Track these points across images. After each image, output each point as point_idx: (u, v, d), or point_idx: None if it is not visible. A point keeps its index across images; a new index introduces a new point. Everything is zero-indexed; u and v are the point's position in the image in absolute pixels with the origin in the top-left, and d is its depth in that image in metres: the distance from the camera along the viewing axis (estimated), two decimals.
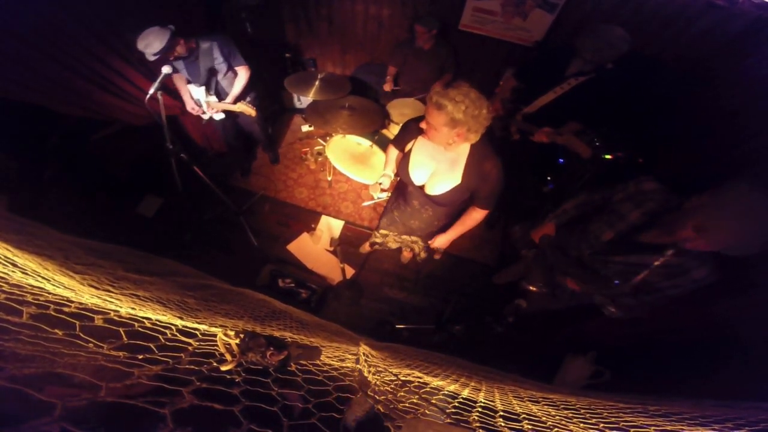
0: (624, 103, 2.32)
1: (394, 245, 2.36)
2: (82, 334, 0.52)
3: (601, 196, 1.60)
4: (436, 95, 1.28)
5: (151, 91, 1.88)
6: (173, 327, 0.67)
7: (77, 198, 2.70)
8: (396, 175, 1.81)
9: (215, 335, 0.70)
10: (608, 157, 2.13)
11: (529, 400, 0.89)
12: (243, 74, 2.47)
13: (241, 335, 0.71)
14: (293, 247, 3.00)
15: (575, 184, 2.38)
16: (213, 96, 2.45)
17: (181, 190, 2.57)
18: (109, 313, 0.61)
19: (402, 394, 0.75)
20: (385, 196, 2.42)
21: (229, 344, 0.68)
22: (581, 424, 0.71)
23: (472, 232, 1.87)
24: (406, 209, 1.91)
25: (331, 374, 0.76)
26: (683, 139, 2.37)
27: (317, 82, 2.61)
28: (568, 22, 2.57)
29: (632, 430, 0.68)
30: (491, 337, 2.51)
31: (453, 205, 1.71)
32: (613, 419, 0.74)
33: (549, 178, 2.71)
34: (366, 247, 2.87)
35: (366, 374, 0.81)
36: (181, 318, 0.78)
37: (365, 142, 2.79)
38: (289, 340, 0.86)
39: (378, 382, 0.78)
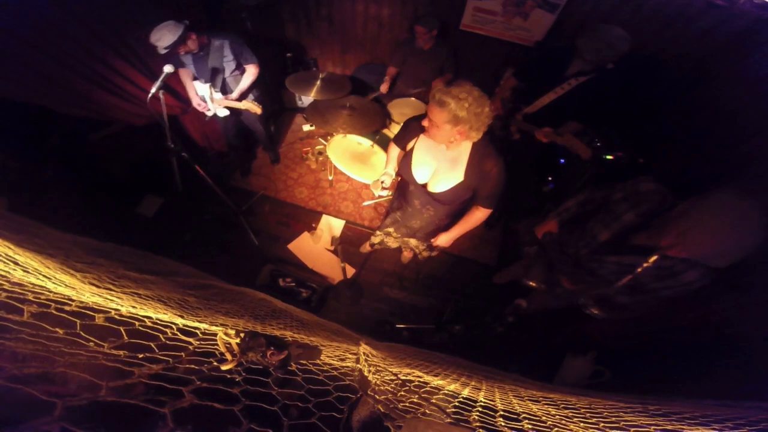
0: (624, 103, 2.33)
1: (394, 245, 2.36)
2: (83, 333, 0.52)
3: (603, 194, 1.60)
4: (438, 93, 1.28)
5: (153, 89, 1.88)
6: (174, 326, 0.67)
7: (77, 198, 2.70)
8: (397, 174, 1.81)
9: (216, 334, 0.70)
10: (609, 157, 2.13)
11: (530, 400, 0.89)
12: (252, 71, 2.47)
13: (242, 335, 0.71)
14: (294, 246, 3.00)
15: (576, 183, 2.38)
16: (218, 93, 2.46)
17: (181, 190, 2.57)
18: (110, 312, 0.61)
19: (402, 393, 0.75)
20: (386, 194, 2.42)
21: (230, 344, 0.68)
22: (581, 424, 0.70)
23: (472, 232, 1.87)
24: (407, 209, 1.91)
25: (332, 374, 0.76)
26: (683, 139, 2.36)
27: (318, 82, 2.62)
28: (569, 22, 2.58)
29: (632, 429, 0.68)
30: (491, 337, 2.52)
31: (454, 204, 1.71)
32: (614, 418, 0.74)
33: (550, 177, 2.72)
34: (366, 247, 2.87)
35: (366, 374, 0.81)
36: (182, 317, 0.78)
37: (366, 142, 2.79)
38: (290, 339, 0.87)
39: (378, 382, 0.78)
